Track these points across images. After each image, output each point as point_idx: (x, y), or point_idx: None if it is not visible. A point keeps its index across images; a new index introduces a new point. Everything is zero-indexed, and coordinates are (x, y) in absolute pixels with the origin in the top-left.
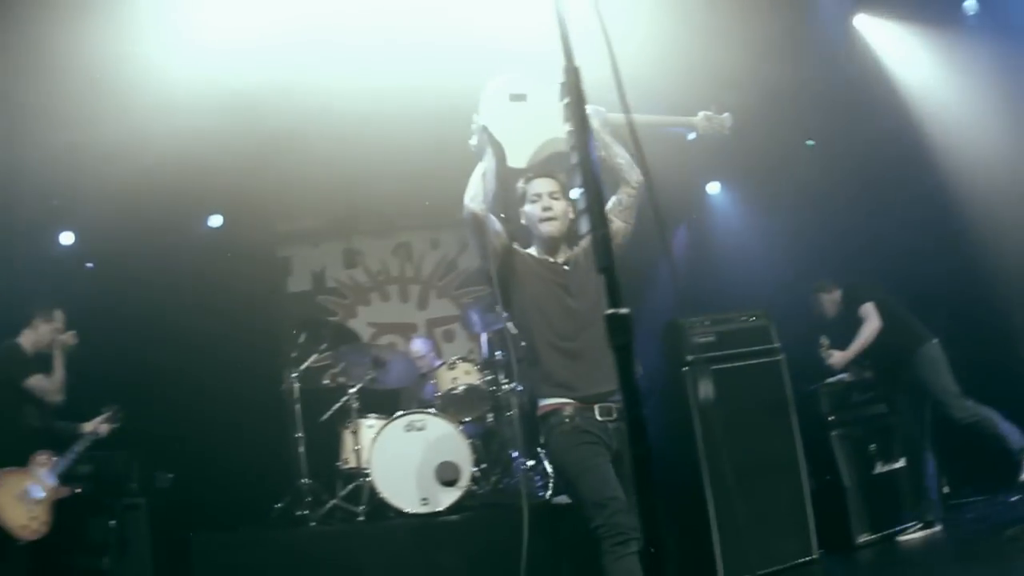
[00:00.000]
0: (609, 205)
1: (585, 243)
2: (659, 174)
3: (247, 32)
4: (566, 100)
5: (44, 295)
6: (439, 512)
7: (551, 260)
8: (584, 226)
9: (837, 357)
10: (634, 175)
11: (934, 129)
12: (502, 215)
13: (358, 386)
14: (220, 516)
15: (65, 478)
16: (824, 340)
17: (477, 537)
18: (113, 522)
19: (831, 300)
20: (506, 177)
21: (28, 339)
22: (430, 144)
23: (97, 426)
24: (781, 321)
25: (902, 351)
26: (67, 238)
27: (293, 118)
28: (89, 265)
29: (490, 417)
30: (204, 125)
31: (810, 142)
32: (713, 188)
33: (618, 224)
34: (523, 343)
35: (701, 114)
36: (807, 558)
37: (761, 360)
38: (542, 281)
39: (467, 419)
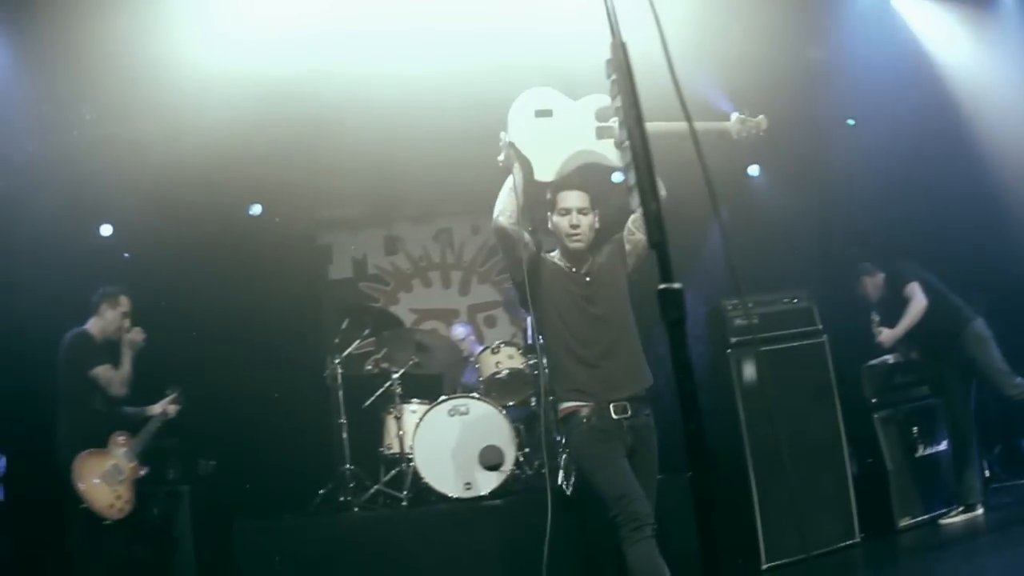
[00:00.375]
0: (632, 218)
1: (606, 252)
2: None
3: (283, 22)
4: (613, 76)
5: (109, 283)
6: (482, 497)
7: (573, 270)
8: (634, 203)
9: (886, 334)
10: (659, 191)
11: (973, 109)
12: (530, 228)
13: (401, 371)
14: (262, 503)
15: (141, 458)
16: (875, 316)
17: (520, 521)
18: (156, 510)
19: (874, 284)
20: (534, 188)
21: (96, 326)
22: (470, 129)
23: (165, 407)
24: (822, 303)
25: (949, 331)
26: (106, 230)
27: (331, 106)
28: (126, 255)
29: (533, 401)
30: (242, 116)
31: (851, 121)
32: (753, 170)
33: (639, 236)
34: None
35: (734, 116)
36: (849, 541)
37: (804, 342)
38: (565, 290)
39: (510, 403)
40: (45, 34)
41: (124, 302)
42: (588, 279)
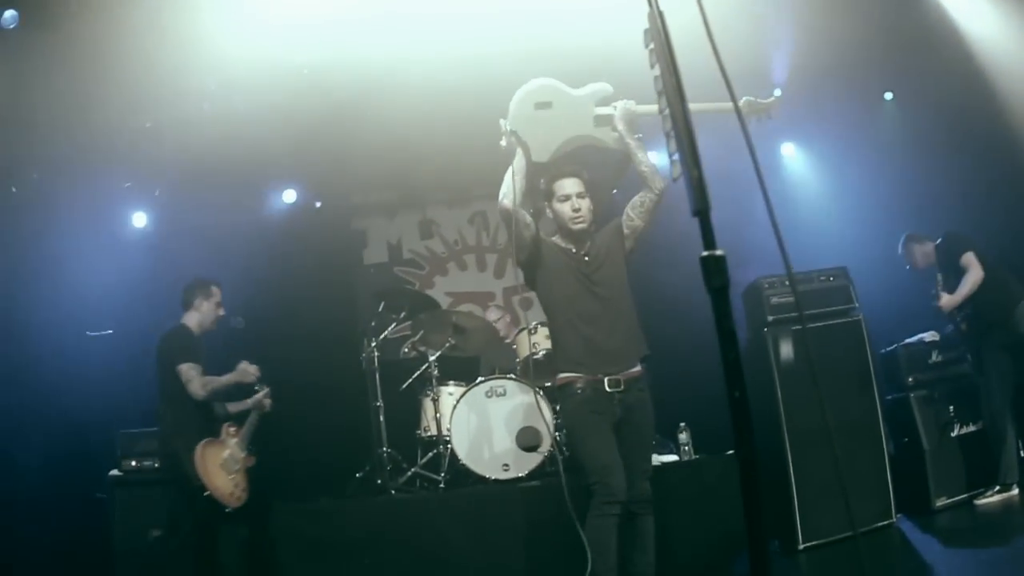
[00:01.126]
0: (631, 204)
1: (605, 235)
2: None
3: (315, 7)
4: (651, 45)
5: (201, 277)
6: (520, 478)
7: (574, 251)
8: (677, 170)
9: (946, 300)
10: (657, 182)
11: (1007, 82)
12: (531, 210)
13: (437, 353)
14: (300, 486)
15: (249, 449)
16: (939, 278)
17: (560, 502)
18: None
19: (923, 252)
20: (534, 171)
21: (192, 320)
22: (504, 112)
23: (260, 400)
24: (859, 281)
25: (999, 308)
26: (139, 219)
27: (365, 91)
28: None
29: None
30: (275, 102)
31: (888, 95)
32: (787, 150)
33: (636, 223)
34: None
35: (744, 99)
36: (886, 522)
37: (841, 320)
38: (567, 269)
39: (547, 384)
40: (73, 30)
41: (216, 292)
42: (587, 258)
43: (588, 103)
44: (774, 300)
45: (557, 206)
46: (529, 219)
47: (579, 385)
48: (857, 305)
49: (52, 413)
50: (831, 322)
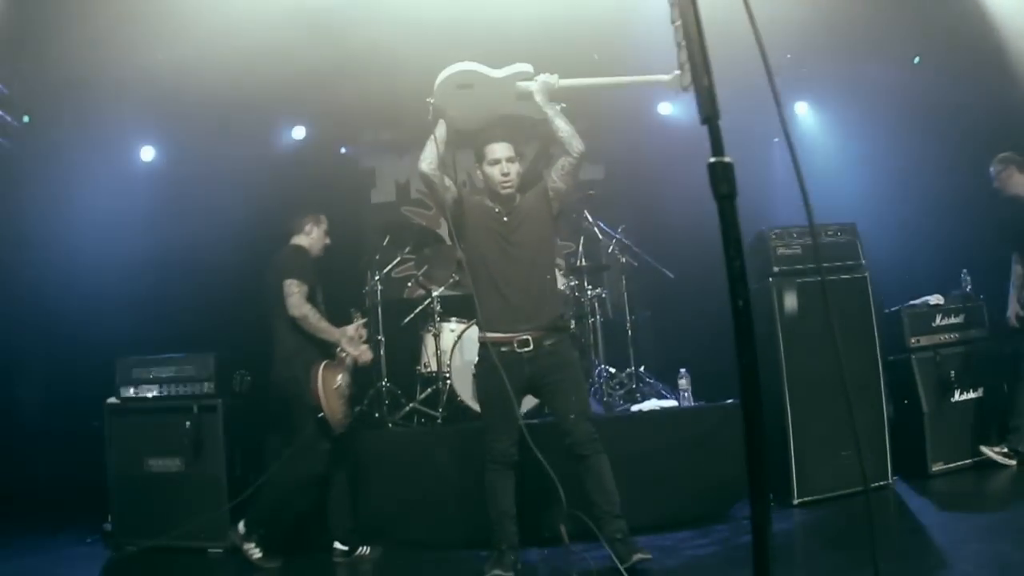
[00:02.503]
0: (553, 168)
1: (530, 196)
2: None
3: None
4: None
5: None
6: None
7: (496, 211)
8: (686, 79)
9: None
10: (575, 145)
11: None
12: (452, 175)
13: (441, 289)
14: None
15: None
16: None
17: (557, 442)
18: (188, 423)
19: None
20: (459, 139)
21: (304, 242)
22: (516, 54)
23: (359, 329)
24: (867, 239)
25: None
26: (147, 153)
27: (377, 29)
28: None
29: (573, 323)
30: (287, 36)
31: (917, 59)
32: (801, 108)
33: (559, 185)
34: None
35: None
36: (882, 482)
37: (846, 276)
38: (487, 228)
39: None
40: None
41: (325, 220)
42: (506, 219)
43: (509, 81)
44: (781, 251)
45: (487, 169)
46: (449, 182)
47: (490, 350)
48: (863, 262)
49: (55, 341)
50: (836, 277)
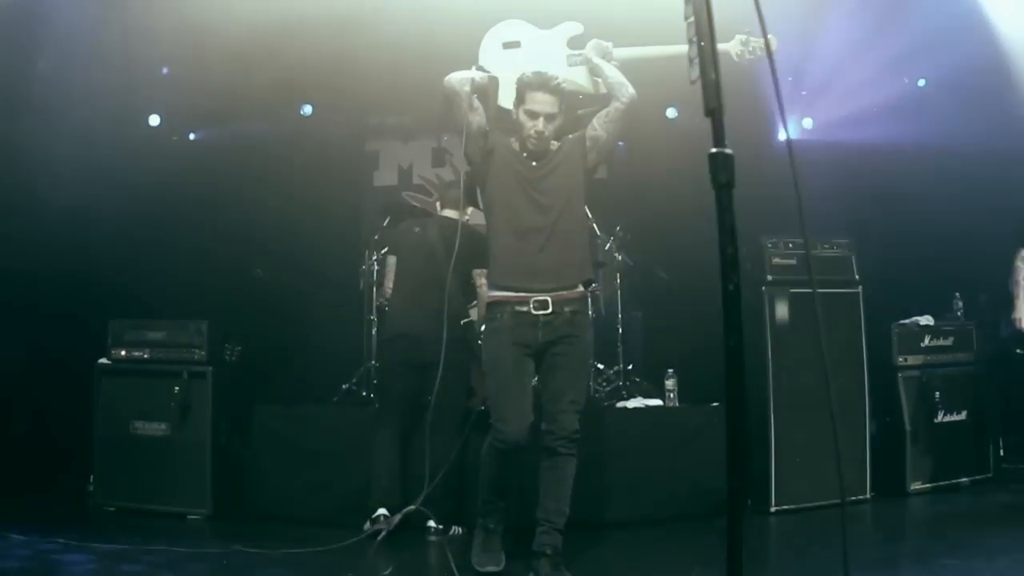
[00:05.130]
0: (597, 116)
1: (567, 144)
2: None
3: None
4: None
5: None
6: None
7: (524, 155)
8: (694, 73)
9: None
10: (625, 92)
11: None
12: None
13: None
14: (286, 393)
15: None
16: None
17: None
18: (177, 388)
19: None
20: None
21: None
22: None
23: None
24: (862, 256)
25: None
26: (154, 120)
27: (388, 12)
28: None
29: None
30: (299, 13)
31: (922, 82)
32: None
33: (599, 133)
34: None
35: (736, 38)
36: (860, 497)
37: (839, 291)
38: (513, 171)
39: None
40: None
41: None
42: (535, 163)
43: (559, 42)
44: (775, 260)
45: (523, 117)
46: (478, 103)
47: (502, 311)
48: (857, 277)
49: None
50: (828, 291)
